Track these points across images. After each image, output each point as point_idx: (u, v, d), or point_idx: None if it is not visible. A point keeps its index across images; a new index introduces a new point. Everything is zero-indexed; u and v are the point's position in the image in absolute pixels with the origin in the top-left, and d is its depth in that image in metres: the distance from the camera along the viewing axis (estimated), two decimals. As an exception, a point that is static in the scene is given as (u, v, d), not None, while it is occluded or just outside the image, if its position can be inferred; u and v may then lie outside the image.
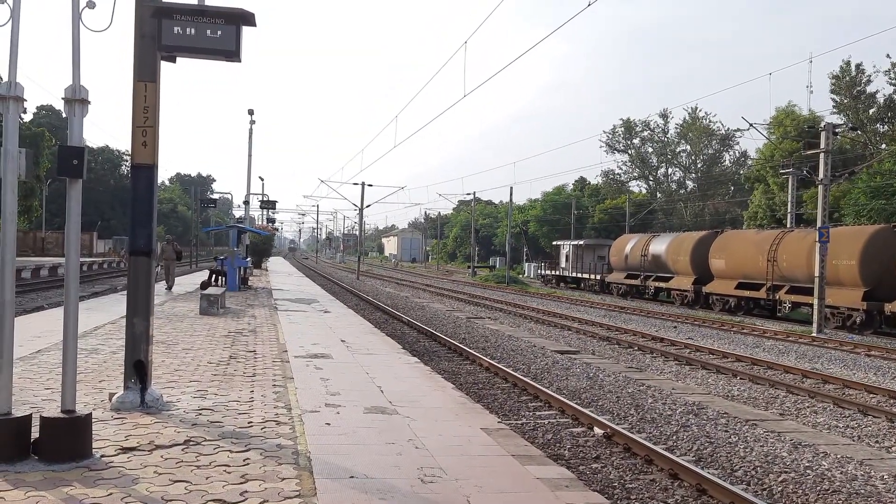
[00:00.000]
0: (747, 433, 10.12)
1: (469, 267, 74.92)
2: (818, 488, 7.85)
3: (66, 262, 6.26)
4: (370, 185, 58.27)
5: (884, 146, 47.45)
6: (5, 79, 5.67)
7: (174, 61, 7.73)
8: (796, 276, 28.33)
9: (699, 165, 76.34)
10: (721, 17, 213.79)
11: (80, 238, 6.37)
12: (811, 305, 25.31)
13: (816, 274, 24.63)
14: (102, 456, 5.94)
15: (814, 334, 23.36)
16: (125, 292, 8.09)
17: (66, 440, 5.81)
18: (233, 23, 7.13)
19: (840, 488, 7.86)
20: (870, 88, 49.18)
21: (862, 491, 7.80)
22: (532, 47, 20.08)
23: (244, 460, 5.99)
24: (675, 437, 9.85)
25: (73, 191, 6.21)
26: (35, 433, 5.83)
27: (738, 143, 75.09)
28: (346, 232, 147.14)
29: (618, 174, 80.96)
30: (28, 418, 5.82)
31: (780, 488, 7.86)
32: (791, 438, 9.86)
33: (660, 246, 39.17)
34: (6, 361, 5.71)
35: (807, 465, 8.69)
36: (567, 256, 52.29)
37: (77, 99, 6.19)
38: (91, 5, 6.12)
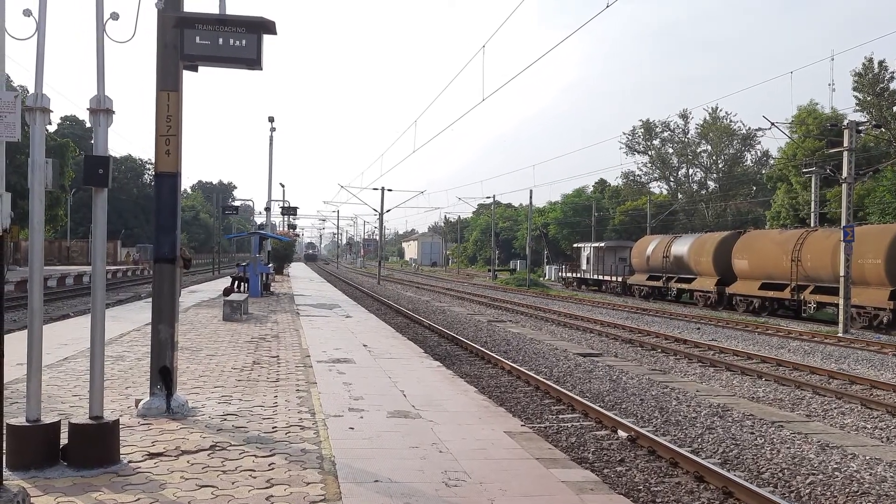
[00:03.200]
0: (773, 435, 10.03)
1: (489, 270, 74.87)
2: (847, 490, 7.76)
3: (93, 269, 6.34)
4: (390, 190, 58.56)
5: (908, 143, 46.84)
6: (31, 90, 5.76)
7: (196, 70, 7.81)
8: (821, 276, 28.04)
9: (720, 165, 75.67)
10: (740, 16, 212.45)
11: (106, 245, 6.44)
12: (836, 305, 25.03)
13: (841, 273, 24.36)
14: (130, 461, 6.00)
15: (840, 334, 23.10)
16: (149, 300, 8.18)
17: (95, 446, 5.87)
18: (254, 31, 7.19)
19: (869, 490, 7.77)
20: (893, 85, 48.53)
21: (892, 493, 7.70)
22: (549, 51, 20.11)
23: (269, 465, 6.03)
24: (700, 440, 9.78)
25: (99, 199, 6.30)
26: (64, 439, 5.91)
27: (759, 143, 74.40)
28: (366, 237, 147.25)
29: (638, 175, 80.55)
30: (57, 425, 5.90)
31: (807, 490, 7.78)
32: (818, 440, 9.75)
33: (682, 247, 38.92)
34: (35, 369, 5.78)
35: (835, 466, 8.59)
36: (588, 259, 52.10)
37: (102, 109, 6.28)
38: (115, 17, 6.20)
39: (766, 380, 14.72)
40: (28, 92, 5.85)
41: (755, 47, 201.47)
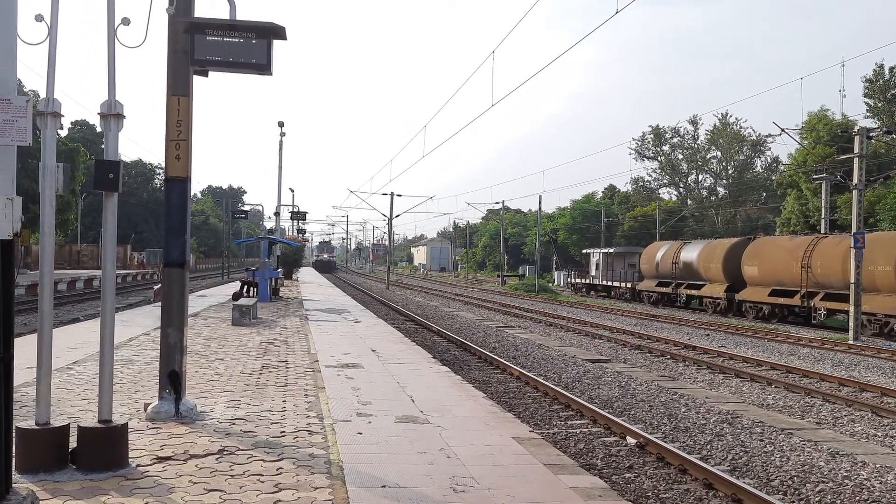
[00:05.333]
0: (783, 442, 9.97)
1: (498, 276, 74.83)
2: (857, 498, 7.71)
3: (104, 273, 6.36)
4: (399, 196, 58.60)
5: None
6: (43, 95, 5.80)
7: (206, 75, 7.84)
8: (831, 283, 27.90)
9: (730, 172, 75.52)
10: (751, 22, 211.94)
11: (116, 250, 6.47)
12: (847, 312, 24.90)
13: (852, 280, 24.24)
14: (138, 465, 6.01)
15: (850, 342, 22.97)
16: (159, 304, 8.20)
17: (103, 450, 5.89)
18: (264, 37, 7.21)
19: (879, 498, 7.72)
20: (904, 91, 48.35)
21: (902, 501, 7.64)
22: (558, 57, 20.11)
23: (277, 469, 6.03)
24: (709, 447, 9.74)
25: (109, 204, 6.32)
26: (73, 443, 5.92)
27: (769, 149, 74.17)
28: (375, 242, 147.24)
29: (647, 181, 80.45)
30: (66, 428, 5.91)
31: (817, 498, 7.73)
32: (828, 447, 9.70)
33: (691, 253, 38.82)
34: (45, 372, 5.80)
35: (845, 474, 8.54)
36: (597, 264, 52.01)
37: (112, 114, 6.31)
38: (126, 22, 6.23)
39: (775, 387, 14.65)
40: (40, 96, 5.88)
41: (767, 54, 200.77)
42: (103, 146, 6.46)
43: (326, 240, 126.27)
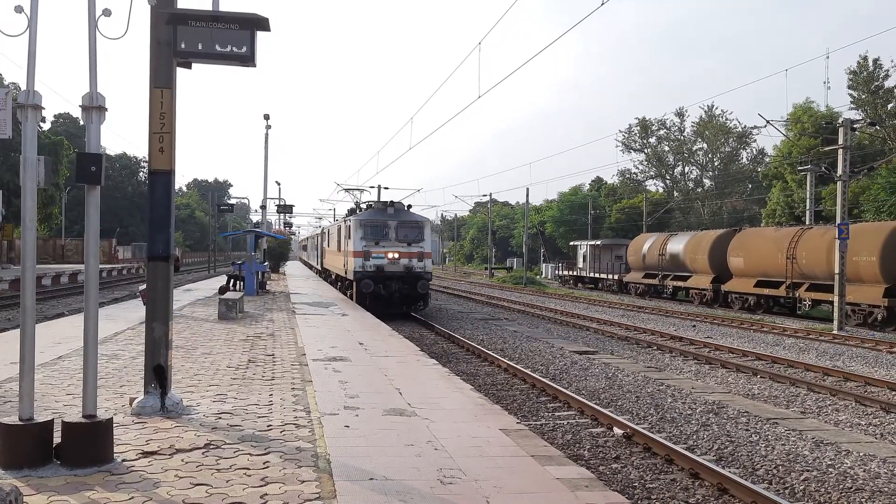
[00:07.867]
0: (768, 432, 10.04)
1: (486, 268, 74.89)
2: (841, 487, 7.78)
3: (86, 267, 6.31)
4: (386, 188, 58.30)
5: (903, 141, 46.87)
6: (24, 87, 5.73)
7: (190, 67, 7.79)
8: (816, 274, 28.08)
9: (716, 163, 75.79)
10: (736, 15, 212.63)
11: (99, 243, 6.42)
12: (831, 303, 25.09)
13: (836, 271, 24.40)
14: (124, 460, 5.98)
15: (834, 332, 23.14)
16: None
17: (88, 445, 5.85)
18: (247, 28, 7.17)
19: (863, 486, 7.79)
20: (888, 83, 48.55)
21: (885, 489, 7.72)
22: (543, 49, 20.00)
23: (264, 463, 6.02)
24: (695, 437, 9.79)
25: (92, 197, 6.27)
26: (57, 438, 5.88)
27: (755, 141, 74.43)
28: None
29: (634, 173, 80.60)
30: (50, 423, 5.87)
31: (802, 487, 7.79)
32: (813, 437, 9.78)
33: (678, 245, 38.97)
34: (28, 367, 5.76)
35: (829, 463, 8.61)
36: (584, 257, 52.15)
37: (94, 106, 6.25)
38: (107, 13, 6.17)
39: (761, 377, 14.74)
40: (20, 89, 5.81)
41: (752, 47, 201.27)
42: (86, 139, 6.40)
43: (398, 200, 41.89)
